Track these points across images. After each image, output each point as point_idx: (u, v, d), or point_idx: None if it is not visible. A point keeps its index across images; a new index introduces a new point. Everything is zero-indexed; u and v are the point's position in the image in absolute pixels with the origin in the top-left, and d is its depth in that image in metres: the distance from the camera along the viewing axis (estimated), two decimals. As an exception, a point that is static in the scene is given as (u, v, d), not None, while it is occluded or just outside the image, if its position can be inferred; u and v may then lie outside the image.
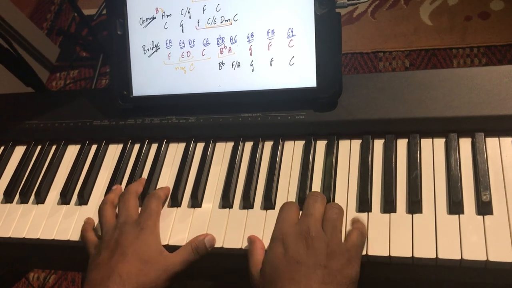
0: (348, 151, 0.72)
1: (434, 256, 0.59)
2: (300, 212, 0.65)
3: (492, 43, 1.64)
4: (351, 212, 0.66)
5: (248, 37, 0.77)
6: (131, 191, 0.73)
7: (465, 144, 0.68)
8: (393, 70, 1.71)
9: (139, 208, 0.72)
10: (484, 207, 0.61)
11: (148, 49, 0.82)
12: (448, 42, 1.70)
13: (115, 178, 0.79)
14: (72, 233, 0.75)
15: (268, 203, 0.70)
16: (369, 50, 1.77)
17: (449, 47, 1.69)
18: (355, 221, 0.64)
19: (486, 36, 1.66)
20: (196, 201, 0.73)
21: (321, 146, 0.74)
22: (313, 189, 0.70)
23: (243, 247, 0.67)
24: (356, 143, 0.72)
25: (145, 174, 0.79)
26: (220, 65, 0.79)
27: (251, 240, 0.66)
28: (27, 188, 0.82)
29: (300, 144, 0.75)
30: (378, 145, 0.71)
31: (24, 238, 0.77)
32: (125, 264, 0.64)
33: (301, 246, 0.59)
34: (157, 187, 0.77)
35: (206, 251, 0.67)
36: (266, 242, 0.66)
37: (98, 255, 0.67)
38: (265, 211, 0.69)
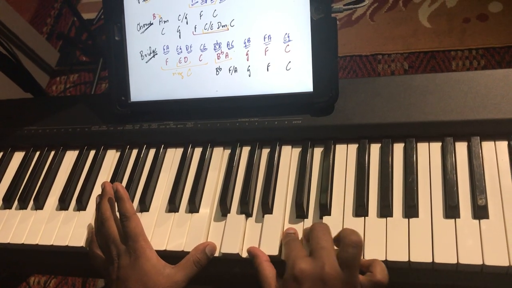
0: (345, 155, 0.72)
1: (431, 260, 0.59)
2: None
3: (491, 45, 1.64)
4: (348, 217, 0.66)
5: (244, 42, 0.77)
6: (107, 216, 0.70)
7: (461, 148, 0.68)
8: (392, 72, 1.71)
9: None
10: (480, 211, 0.61)
11: (145, 55, 0.82)
12: (447, 44, 1.70)
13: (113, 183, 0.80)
14: (70, 239, 0.75)
15: (266, 208, 0.70)
16: (368, 52, 1.77)
17: (448, 49, 1.69)
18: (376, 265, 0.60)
19: (484, 38, 1.66)
20: (194, 207, 0.73)
21: (318, 150, 0.74)
22: (311, 194, 0.70)
23: (240, 253, 0.67)
24: (353, 148, 0.73)
25: (143, 179, 0.79)
26: (217, 70, 0.79)
27: (253, 254, 0.65)
28: (26, 193, 0.82)
29: (297, 149, 0.76)
30: (375, 149, 0.72)
31: (23, 244, 0.77)
32: None
33: (319, 285, 0.56)
34: (155, 193, 0.77)
35: (208, 260, 0.68)
36: (265, 248, 0.66)
37: None
38: (262, 216, 0.70)
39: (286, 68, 0.75)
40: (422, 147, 0.70)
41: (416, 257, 0.60)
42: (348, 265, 0.56)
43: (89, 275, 1.32)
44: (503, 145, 0.67)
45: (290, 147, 0.76)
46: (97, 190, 0.81)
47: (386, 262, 0.61)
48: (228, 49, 0.78)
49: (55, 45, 2.26)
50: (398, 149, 0.71)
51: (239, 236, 0.68)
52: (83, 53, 2.18)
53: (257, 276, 0.64)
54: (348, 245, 0.57)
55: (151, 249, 0.68)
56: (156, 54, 0.82)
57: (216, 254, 0.68)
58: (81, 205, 0.79)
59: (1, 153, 0.91)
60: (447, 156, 0.67)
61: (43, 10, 2.44)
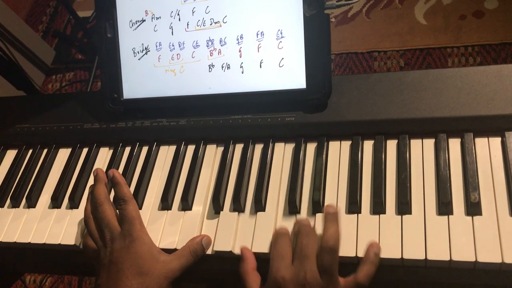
0: (338, 152, 0.72)
1: (423, 258, 0.59)
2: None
3: (487, 41, 1.64)
4: (341, 214, 0.66)
5: (237, 39, 0.77)
6: (102, 200, 0.70)
7: (454, 145, 0.68)
8: (388, 69, 1.71)
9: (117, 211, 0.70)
10: (473, 208, 0.61)
11: (138, 52, 0.82)
12: (443, 41, 1.69)
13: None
14: (63, 237, 0.75)
15: (259, 206, 0.69)
16: (364, 50, 1.77)
17: (444, 46, 1.69)
18: (369, 259, 0.60)
19: (480, 35, 1.66)
20: (186, 204, 0.72)
21: (311, 147, 0.74)
22: (304, 191, 0.70)
23: (233, 250, 0.67)
24: (346, 144, 0.72)
25: (136, 177, 0.79)
26: (210, 67, 0.79)
27: (243, 256, 0.65)
28: (18, 192, 0.82)
29: (290, 146, 0.75)
30: (368, 146, 0.71)
31: (15, 242, 0.77)
32: (124, 281, 0.63)
33: None
34: (148, 190, 0.77)
35: (204, 253, 0.67)
36: (257, 246, 0.66)
37: (98, 277, 0.67)
38: (255, 213, 0.69)
39: (279, 65, 0.75)
40: (415, 143, 0.69)
41: (409, 254, 0.60)
42: (326, 272, 0.59)
43: (84, 273, 1.31)
44: (496, 141, 0.66)
45: (283, 144, 0.76)
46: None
47: (379, 259, 0.61)
48: (221, 45, 0.78)
49: (50, 43, 2.25)
50: (391, 145, 0.70)
51: (231, 233, 0.68)
52: (79, 51, 2.18)
53: (242, 283, 0.64)
54: (324, 252, 0.59)
55: (147, 234, 0.68)
56: (149, 51, 0.81)
57: (209, 252, 0.68)
58: (74, 203, 0.78)
59: (-6, 151, 0.91)
60: (440, 153, 0.66)
61: (39, 8, 2.43)
